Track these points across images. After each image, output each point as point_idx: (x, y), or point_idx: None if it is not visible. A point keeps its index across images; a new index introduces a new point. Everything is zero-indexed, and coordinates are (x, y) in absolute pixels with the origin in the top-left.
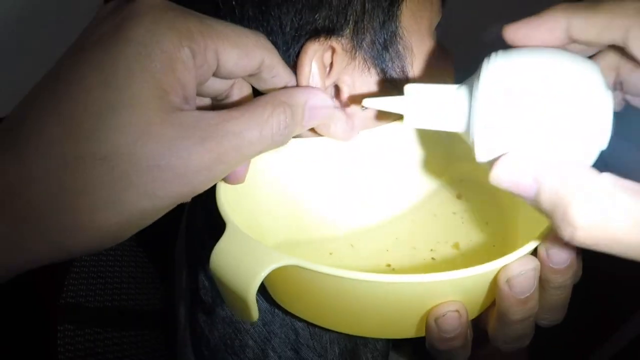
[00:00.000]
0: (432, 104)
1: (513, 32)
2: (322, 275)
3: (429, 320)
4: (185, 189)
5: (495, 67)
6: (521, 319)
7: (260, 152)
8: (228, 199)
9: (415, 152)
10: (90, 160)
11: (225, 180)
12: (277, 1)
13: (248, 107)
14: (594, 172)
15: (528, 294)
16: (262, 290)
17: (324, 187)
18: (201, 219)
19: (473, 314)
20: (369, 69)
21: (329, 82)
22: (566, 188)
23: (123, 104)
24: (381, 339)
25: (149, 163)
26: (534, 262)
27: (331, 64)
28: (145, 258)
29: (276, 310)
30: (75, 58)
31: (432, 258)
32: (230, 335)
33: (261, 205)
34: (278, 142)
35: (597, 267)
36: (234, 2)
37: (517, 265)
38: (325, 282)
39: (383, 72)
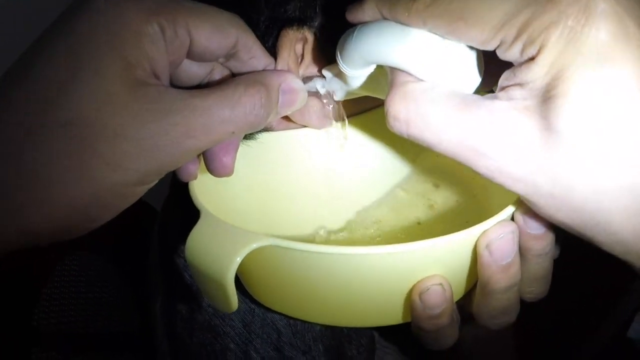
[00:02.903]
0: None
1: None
2: (302, 255)
3: (414, 297)
4: (153, 163)
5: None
6: (505, 288)
7: (234, 132)
8: (202, 192)
9: (385, 144)
10: (52, 127)
11: (212, 171)
12: None
13: (220, 85)
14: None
15: (509, 260)
16: (241, 289)
17: (297, 182)
18: (175, 225)
19: (457, 294)
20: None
21: (301, 71)
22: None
23: (87, 72)
24: (365, 335)
25: (113, 133)
26: (511, 226)
27: (302, 55)
28: (118, 278)
29: (256, 310)
30: (45, 32)
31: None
32: (210, 340)
33: (234, 200)
34: (252, 122)
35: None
36: None
37: (495, 229)
38: (306, 262)
39: None
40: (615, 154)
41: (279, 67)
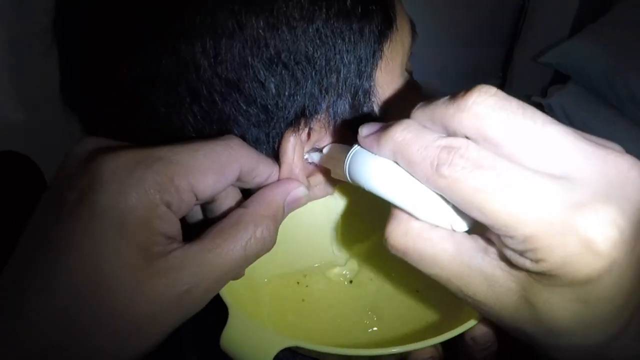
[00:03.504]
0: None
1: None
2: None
3: None
4: (181, 320)
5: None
6: (486, 355)
7: (247, 266)
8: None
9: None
10: (92, 327)
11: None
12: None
13: (230, 229)
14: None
15: (489, 344)
16: None
17: (308, 226)
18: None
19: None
20: (342, 128)
21: (306, 149)
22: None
23: (109, 277)
24: None
25: (145, 316)
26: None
27: (309, 134)
28: None
29: None
30: (52, 231)
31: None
32: None
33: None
34: (262, 254)
35: None
36: (206, 128)
37: (480, 326)
38: (323, 354)
39: (354, 127)
40: (572, 334)
41: (283, 173)
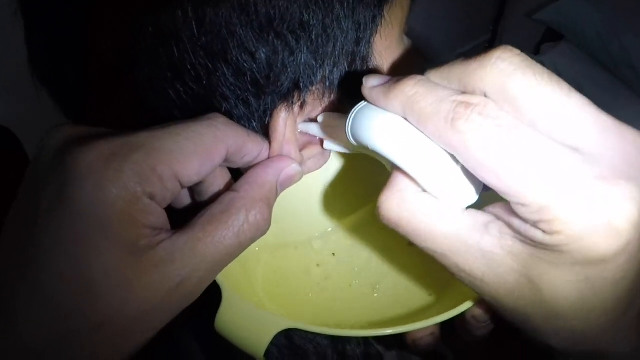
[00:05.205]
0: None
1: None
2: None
3: (409, 341)
4: (174, 314)
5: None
6: (485, 333)
7: (241, 253)
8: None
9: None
10: (84, 331)
11: None
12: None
13: (221, 216)
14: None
15: (488, 322)
16: None
17: (304, 193)
18: None
19: None
20: (337, 96)
21: (299, 120)
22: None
23: (97, 276)
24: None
25: (139, 314)
26: None
27: (301, 105)
28: None
29: None
30: (31, 233)
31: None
32: None
33: None
34: (257, 239)
35: None
36: (191, 106)
37: (482, 305)
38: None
39: (349, 94)
40: (573, 317)
41: (273, 150)
